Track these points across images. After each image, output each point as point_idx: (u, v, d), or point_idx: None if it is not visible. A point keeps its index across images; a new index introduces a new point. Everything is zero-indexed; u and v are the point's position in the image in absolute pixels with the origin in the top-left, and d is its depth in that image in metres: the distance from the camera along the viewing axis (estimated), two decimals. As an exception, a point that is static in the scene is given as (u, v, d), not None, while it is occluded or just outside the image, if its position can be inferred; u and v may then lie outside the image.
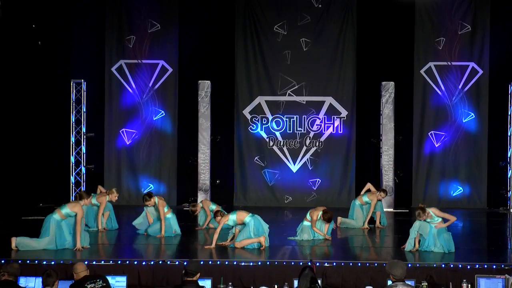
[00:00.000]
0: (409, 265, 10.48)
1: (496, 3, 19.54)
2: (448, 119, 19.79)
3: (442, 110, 19.84)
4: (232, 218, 12.57)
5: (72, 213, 12.14)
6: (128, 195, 19.89)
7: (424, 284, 9.72)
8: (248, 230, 12.39)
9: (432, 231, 11.95)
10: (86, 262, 10.54)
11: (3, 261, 10.61)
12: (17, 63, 18.87)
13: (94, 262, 10.68)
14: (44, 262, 10.75)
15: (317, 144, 20.00)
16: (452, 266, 10.67)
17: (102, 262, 10.81)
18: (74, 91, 19.41)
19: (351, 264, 10.86)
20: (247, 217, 12.50)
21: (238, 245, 12.33)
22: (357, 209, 15.30)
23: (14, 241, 11.91)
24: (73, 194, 19.05)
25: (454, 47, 19.68)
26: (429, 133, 19.82)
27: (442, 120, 19.81)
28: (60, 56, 19.68)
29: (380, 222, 15.30)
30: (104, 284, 8.38)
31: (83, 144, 19.50)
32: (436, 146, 19.75)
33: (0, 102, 18.84)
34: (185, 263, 8.11)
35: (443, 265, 10.71)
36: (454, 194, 19.66)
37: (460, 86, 19.73)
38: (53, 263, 10.73)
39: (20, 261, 10.38)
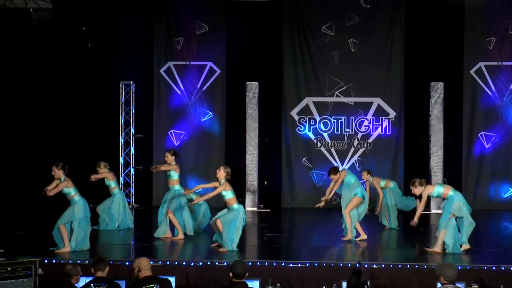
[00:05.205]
0: (459, 267, 10.34)
1: (548, 2, 19.26)
2: (498, 120, 19.52)
3: (492, 111, 19.57)
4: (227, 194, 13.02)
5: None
6: (177, 196, 19.96)
7: (475, 286, 9.62)
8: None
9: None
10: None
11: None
12: (67, 65, 19.15)
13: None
14: (86, 261, 10.83)
15: (365, 145, 19.89)
16: (503, 268, 10.54)
17: (151, 262, 10.84)
18: (123, 92, 19.62)
19: (399, 266, 10.79)
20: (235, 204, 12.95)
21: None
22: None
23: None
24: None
25: (504, 46, 19.40)
26: (479, 134, 19.57)
27: (492, 121, 19.54)
28: (109, 58, 19.85)
29: None
30: None
31: (132, 145, 19.68)
32: (486, 147, 19.50)
33: (51, 104, 19.18)
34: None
35: (493, 268, 10.58)
36: (504, 196, 19.40)
37: (511, 87, 19.45)
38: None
39: (70, 261, 10.50)
